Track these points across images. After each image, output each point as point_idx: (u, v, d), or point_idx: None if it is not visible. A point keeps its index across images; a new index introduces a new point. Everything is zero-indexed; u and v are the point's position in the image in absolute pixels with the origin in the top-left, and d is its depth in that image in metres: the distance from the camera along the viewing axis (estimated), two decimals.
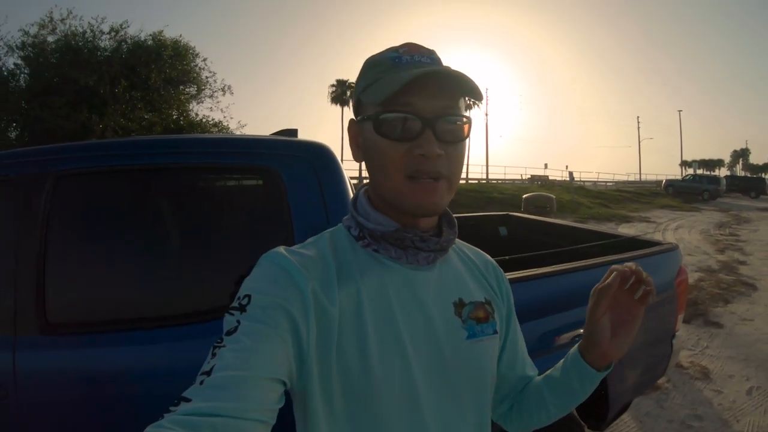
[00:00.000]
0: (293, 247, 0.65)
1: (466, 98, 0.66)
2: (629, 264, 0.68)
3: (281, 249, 0.64)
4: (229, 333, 0.55)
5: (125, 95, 12.52)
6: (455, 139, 0.64)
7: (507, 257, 1.87)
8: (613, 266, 0.68)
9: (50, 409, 1.36)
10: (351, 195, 1.52)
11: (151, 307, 1.49)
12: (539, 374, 0.83)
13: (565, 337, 1.73)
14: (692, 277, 6.82)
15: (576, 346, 0.74)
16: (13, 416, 1.35)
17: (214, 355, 0.53)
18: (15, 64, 12.73)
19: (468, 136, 0.66)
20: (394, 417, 0.61)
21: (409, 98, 0.60)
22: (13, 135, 12.72)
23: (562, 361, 0.77)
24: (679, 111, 64.24)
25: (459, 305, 0.70)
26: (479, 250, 0.84)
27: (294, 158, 1.55)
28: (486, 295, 0.75)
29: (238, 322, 0.55)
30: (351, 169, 28.32)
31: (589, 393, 0.75)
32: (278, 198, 1.50)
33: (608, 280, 0.67)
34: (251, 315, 0.55)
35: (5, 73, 12.54)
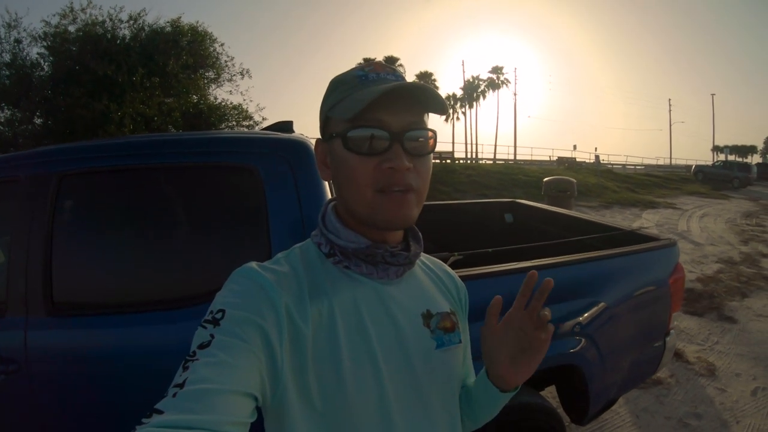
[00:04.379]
0: (265, 263, 0.66)
1: (430, 112, 0.68)
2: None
3: (254, 264, 0.64)
4: (202, 346, 0.55)
5: (143, 82, 12.69)
6: (422, 152, 0.65)
7: (489, 249, 1.87)
8: (497, 297, 0.70)
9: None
10: (327, 192, 1.62)
11: (143, 293, 1.62)
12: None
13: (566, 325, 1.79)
14: (711, 268, 6.69)
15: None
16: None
17: (186, 368, 0.52)
18: (38, 53, 13.02)
19: (434, 149, 0.68)
20: (368, 424, 0.63)
21: (377, 114, 0.62)
22: (38, 122, 13.09)
23: (478, 375, 0.80)
24: (713, 94, 62.19)
25: (427, 316, 0.72)
26: (438, 260, 0.86)
27: (271, 155, 1.64)
28: (450, 305, 0.77)
29: (212, 336, 0.55)
30: None
31: (497, 410, 0.79)
32: (256, 194, 1.60)
33: (493, 302, 0.70)
34: (225, 329, 0.56)
35: (28, 64, 12.83)
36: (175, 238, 1.69)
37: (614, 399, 2.22)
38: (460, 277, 1.60)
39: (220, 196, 1.75)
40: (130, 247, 1.67)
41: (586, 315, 1.83)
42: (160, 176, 1.69)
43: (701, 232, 9.99)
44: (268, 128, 2.13)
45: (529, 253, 2.04)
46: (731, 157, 36.51)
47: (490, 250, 1.98)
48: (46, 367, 1.53)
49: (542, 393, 2.28)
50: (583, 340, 1.82)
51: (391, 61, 49.35)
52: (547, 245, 2.34)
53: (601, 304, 1.88)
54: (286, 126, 1.99)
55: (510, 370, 0.70)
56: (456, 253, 1.83)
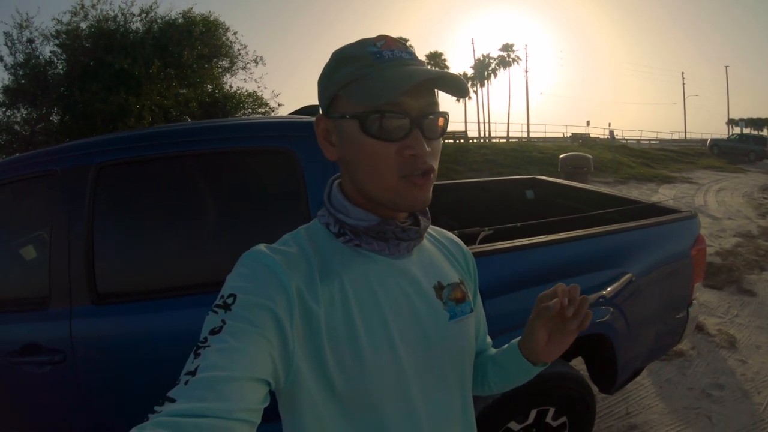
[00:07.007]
0: (274, 245, 0.66)
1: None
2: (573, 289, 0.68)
3: (263, 247, 0.64)
4: (213, 332, 0.54)
5: (159, 74, 12.75)
6: (437, 135, 0.65)
7: (518, 224, 1.93)
8: (559, 285, 0.69)
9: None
10: None
11: (186, 278, 1.66)
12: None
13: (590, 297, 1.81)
14: (729, 242, 6.66)
15: (518, 339, 0.80)
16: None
17: (198, 355, 0.52)
18: (51, 51, 13.10)
19: (445, 130, 0.67)
20: (387, 401, 0.64)
21: (400, 98, 0.60)
22: (55, 120, 13.24)
23: (507, 345, 0.83)
24: (726, 67, 60.78)
25: (439, 288, 0.72)
26: (445, 230, 0.86)
27: (307, 138, 1.68)
28: (459, 275, 0.78)
29: (223, 321, 0.55)
30: None
31: (527, 380, 0.81)
32: (295, 176, 1.65)
33: (549, 305, 0.67)
34: (236, 314, 0.55)
35: (43, 62, 12.91)
36: (216, 223, 1.74)
37: (640, 369, 2.27)
38: (491, 251, 1.70)
39: (260, 180, 1.79)
40: (171, 233, 1.71)
41: (614, 285, 1.89)
42: (199, 163, 1.73)
43: (718, 206, 9.91)
44: (295, 113, 2.18)
45: (555, 227, 2.09)
46: (747, 131, 35.73)
47: (518, 224, 2.05)
48: (92, 356, 1.57)
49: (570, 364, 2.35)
50: (612, 309, 1.87)
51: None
52: (572, 219, 2.38)
53: (628, 275, 1.94)
54: (314, 110, 2.02)
55: (545, 349, 0.74)
56: (487, 228, 1.90)
